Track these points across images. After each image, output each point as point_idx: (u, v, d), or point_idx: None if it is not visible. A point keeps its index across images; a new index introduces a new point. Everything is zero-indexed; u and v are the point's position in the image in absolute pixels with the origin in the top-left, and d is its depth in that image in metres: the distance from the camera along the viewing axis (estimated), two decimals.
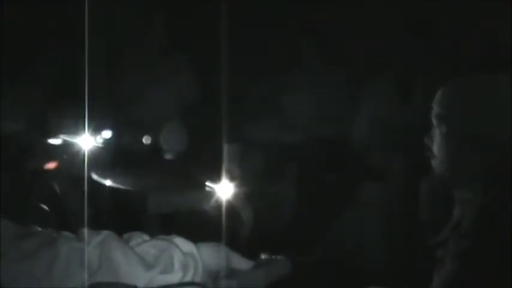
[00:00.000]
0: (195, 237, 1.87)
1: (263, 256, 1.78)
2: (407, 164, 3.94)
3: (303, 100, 4.58)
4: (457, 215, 1.99)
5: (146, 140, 4.27)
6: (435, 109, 2.02)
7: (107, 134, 4.09)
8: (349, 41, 4.62)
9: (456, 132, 1.94)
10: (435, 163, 2.04)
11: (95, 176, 3.79)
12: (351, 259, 3.62)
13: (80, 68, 3.16)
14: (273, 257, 1.76)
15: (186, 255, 1.69)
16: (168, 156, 4.37)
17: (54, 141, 3.95)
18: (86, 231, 1.74)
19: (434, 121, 2.04)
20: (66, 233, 1.77)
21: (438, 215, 2.40)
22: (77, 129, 3.76)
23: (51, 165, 3.89)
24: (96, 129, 3.90)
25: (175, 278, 1.65)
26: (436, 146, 2.03)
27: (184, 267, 1.66)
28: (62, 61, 4.44)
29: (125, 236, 1.80)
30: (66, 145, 3.89)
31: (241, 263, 1.74)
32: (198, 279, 1.66)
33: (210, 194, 3.46)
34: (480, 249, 1.81)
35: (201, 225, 3.30)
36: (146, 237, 1.79)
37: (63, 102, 4.03)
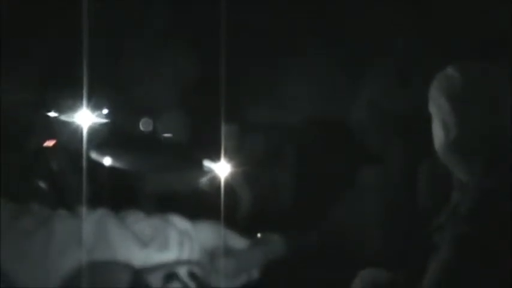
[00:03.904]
0: (192, 216, 1.87)
1: (259, 235, 1.78)
2: (406, 148, 3.93)
3: (302, 82, 4.57)
4: (455, 199, 1.99)
5: (147, 124, 4.27)
6: (432, 95, 2.02)
7: (106, 113, 4.08)
8: (349, 23, 4.60)
9: (455, 119, 1.94)
10: (434, 147, 2.04)
11: (93, 155, 3.79)
12: (349, 241, 3.64)
13: (79, 48, 3.14)
14: (270, 236, 1.76)
15: (182, 233, 1.68)
16: (166, 136, 4.37)
17: (53, 119, 3.95)
18: (83, 209, 1.74)
19: (432, 107, 2.04)
20: (62, 211, 1.76)
21: (437, 199, 2.39)
22: (75, 107, 3.75)
23: (49, 143, 3.89)
24: (95, 108, 3.90)
25: (171, 256, 1.64)
26: (435, 130, 2.03)
27: (180, 246, 1.66)
28: (61, 41, 4.43)
29: (121, 214, 1.80)
30: (65, 123, 3.89)
31: (238, 242, 1.74)
32: (194, 257, 1.66)
33: (209, 174, 3.46)
34: (478, 234, 1.81)
35: (199, 204, 3.31)
36: (142, 215, 1.79)
37: (62, 81, 4.02)
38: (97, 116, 3.90)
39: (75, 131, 3.75)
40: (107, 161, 3.81)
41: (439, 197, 2.17)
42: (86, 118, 3.74)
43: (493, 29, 4.06)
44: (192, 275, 1.60)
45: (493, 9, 4.03)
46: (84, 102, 3.59)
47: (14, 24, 4.03)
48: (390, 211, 3.78)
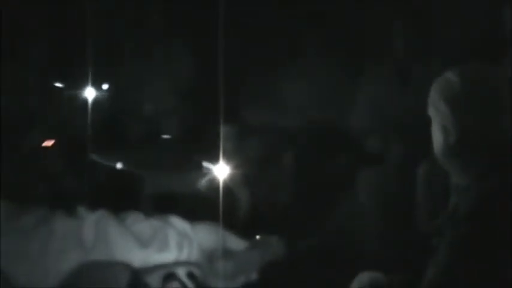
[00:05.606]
0: (191, 217, 1.87)
1: (258, 237, 1.79)
2: (405, 151, 3.93)
3: (301, 85, 4.57)
4: (454, 202, 1.99)
5: (150, 110, 4.26)
6: (432, 99, 2.02)
7: (106, 114, 4.08)
8: (348, 26, 4.59)
9: (455, 122, 1.94)
10: (433, 150, 2.03)
11: (93, 156, 3.79)
12: (347, 244, 3.63)
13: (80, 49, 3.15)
14: (269, 238, 1.77)
15: (181, 234, 1.69)
16: (166, 137, 4.37)
17: (53, 118, 3.95)
18: (83, 209, 1.75)
19: (431, 111, 2.04)
20: (62, 212, 1.77)
21: (435, 202, 2.39)
22: (77, 107, 3.75)
23: (48, 142, 3.89)
24: (96, 109, 3.90)
25: (170, 256, 1.66)
26: (435, 134, 2.02)
27: (179, 247, 1.67)
28: (60, 43, 4.43)
29: (121, 215, 1.81)
30: (65, 123, 3.89)
31: (237, 244, 1.75)
32: (193, 258, 1.67)
33: (207, 175, 3.46)
34: (475, 238, 1.80)
35: (198, 205, 3.31)
36: (142, 216, 1.80)
37: (63, 77, 4.02)
38: (97, 118, 3.91)
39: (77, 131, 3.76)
40: (107, 161, 3.81)
41: (437, 200, 2.17)
42: (88, 116, 3.75)
43: (493, 29, 4.05)
44: (190, 276, 1.61)
45: (493, 10, 4.03)
46: (88, 101, 3.61)
47: (14, 19, 4.02)
48: (388, 214, 3.78)
